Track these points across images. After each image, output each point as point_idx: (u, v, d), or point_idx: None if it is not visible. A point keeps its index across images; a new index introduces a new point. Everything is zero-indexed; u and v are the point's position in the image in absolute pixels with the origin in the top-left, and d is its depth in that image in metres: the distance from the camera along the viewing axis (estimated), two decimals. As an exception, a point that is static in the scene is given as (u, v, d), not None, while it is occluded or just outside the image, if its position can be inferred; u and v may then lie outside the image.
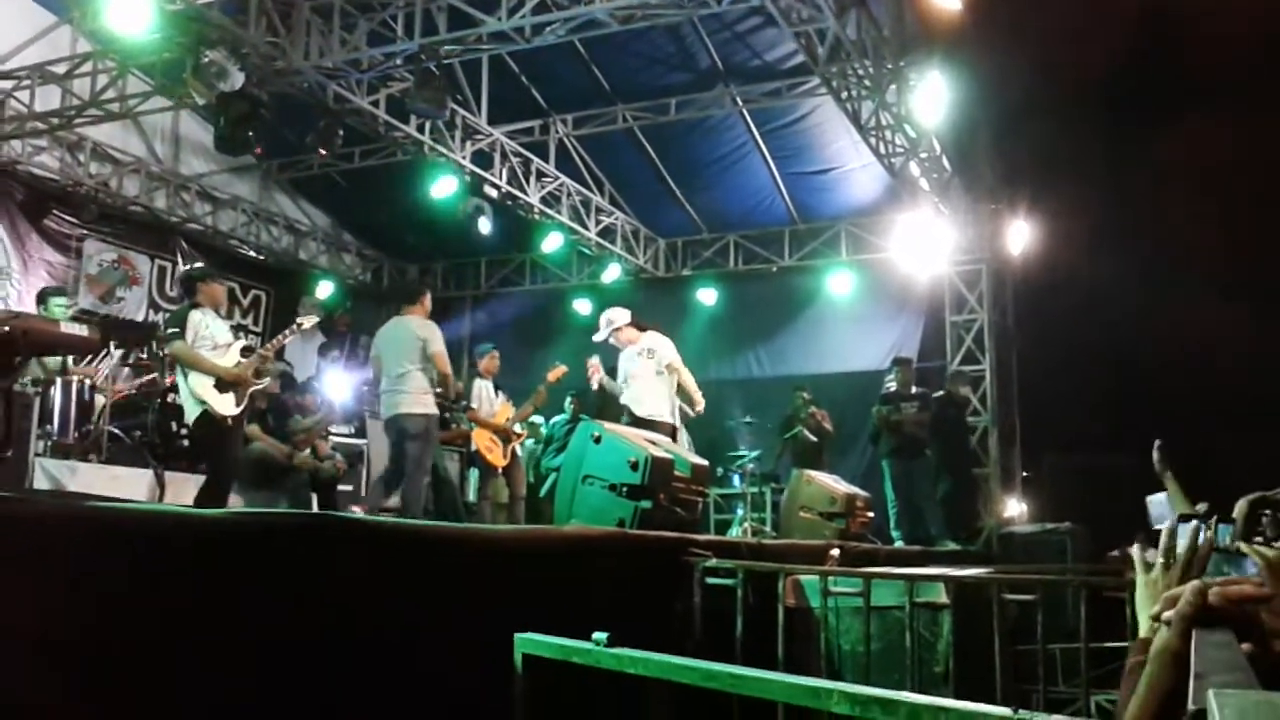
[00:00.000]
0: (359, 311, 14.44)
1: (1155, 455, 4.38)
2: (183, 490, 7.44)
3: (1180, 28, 9.17)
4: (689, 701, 2.78)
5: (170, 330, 6.70)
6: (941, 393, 11.04)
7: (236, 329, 7.08)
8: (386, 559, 3.59)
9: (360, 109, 9.90)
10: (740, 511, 10.66)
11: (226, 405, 6.54)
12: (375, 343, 7.88)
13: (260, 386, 7.03)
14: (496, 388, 9.58)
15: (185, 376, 6.59)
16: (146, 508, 5.16)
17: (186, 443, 8.29)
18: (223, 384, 6.55)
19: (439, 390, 7.71)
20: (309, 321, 7.84)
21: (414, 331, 7.52)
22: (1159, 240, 11.03)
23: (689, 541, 5.09)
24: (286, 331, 7.58)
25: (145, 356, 8.94)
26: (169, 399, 8.36)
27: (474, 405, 9.27)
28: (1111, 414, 12.40)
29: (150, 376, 8.81)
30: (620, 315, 8.38)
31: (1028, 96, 10.55)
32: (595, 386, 8.83)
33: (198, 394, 6.49)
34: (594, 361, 8.81)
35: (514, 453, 9.39)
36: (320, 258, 14.21)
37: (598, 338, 8.48)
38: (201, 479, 6.82)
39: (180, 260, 12.15)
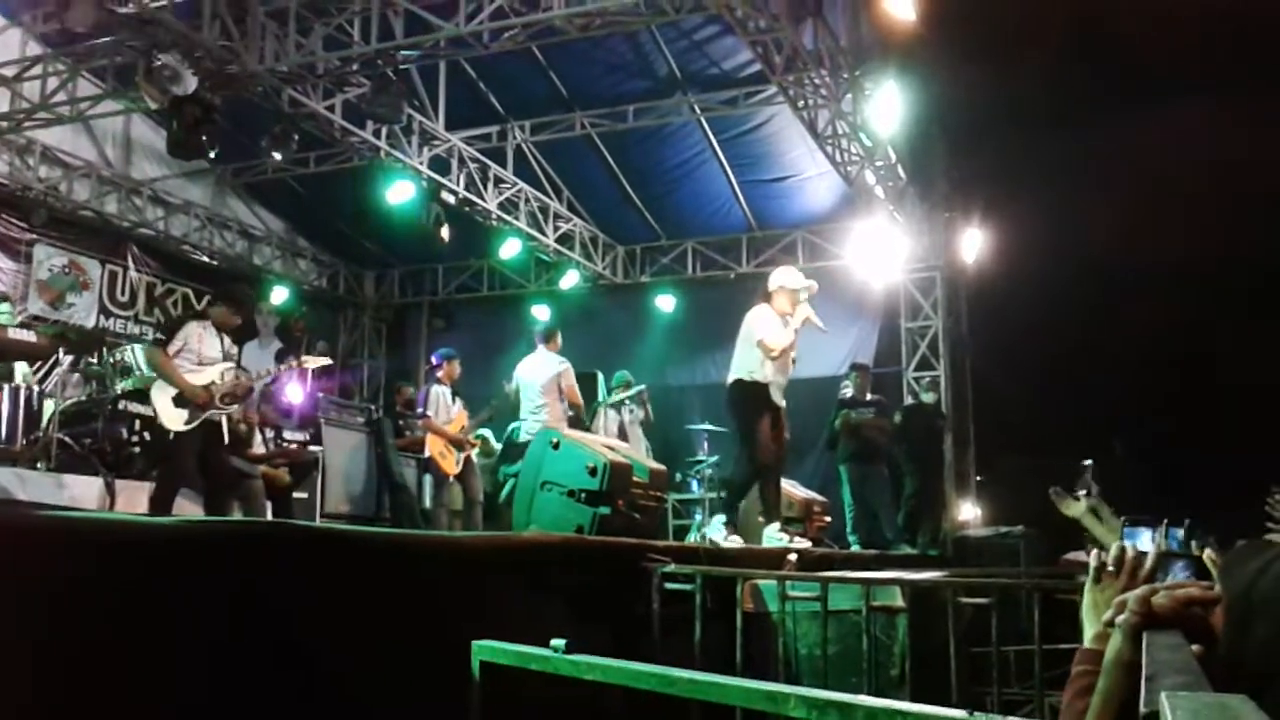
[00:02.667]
0: (315, 317, 14.35)
1: (1084, 479, 4.48)
2: (134, 498, 7.35)
3: (1113, 33, 9.35)
4: (648, 707, 2.79)
5: (157, 334, 6.69)
6: (912, 401, 11.21)
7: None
8: (342, 566, 3.56)
9: (316, 113, 9.82)
10: (699, 517, 10.67)
11: (175, 419, 6.50)
12: (516, 374, 9.04)
13: (225, 413, 6.89)
14: (455, 394, 9.51)
15: (154, 378, 6.65)
16: (98, 516, 5.09)
17: (137, 450, 8.19)
18: (182, 399, 6.51)
19: (571, 415, 8.87)
20: (312, 363, 7.84)
21: (553, 367, 8.78)
22: (1106, 245, 11.21)
23: (647, 547, 5.10)
24: (283, 366, 7.55)
25: (96, 363, 8.80)
26: (119, 406, 8.25)
27: (430, 412, 9.21)
28: (1063, 417, 12.61)
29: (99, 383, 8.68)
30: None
31: (980, 106, 10.70)
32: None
33: (154, 399, 6.53)
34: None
35: (469, 460, 9.34)
36: (275, 263, 14.06)
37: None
38: (152, 486, 6.80)
39: (131, 265, 11.99)
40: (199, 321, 6.77)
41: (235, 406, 7.05)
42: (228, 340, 6.94)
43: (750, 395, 7.11)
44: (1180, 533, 1.66)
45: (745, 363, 7.19)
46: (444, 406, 9.32)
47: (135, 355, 8.37)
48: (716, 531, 6.99)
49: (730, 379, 7.26)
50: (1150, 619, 1.26)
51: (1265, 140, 9.64)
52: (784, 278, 7.47)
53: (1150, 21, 8.90)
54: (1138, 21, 9.03)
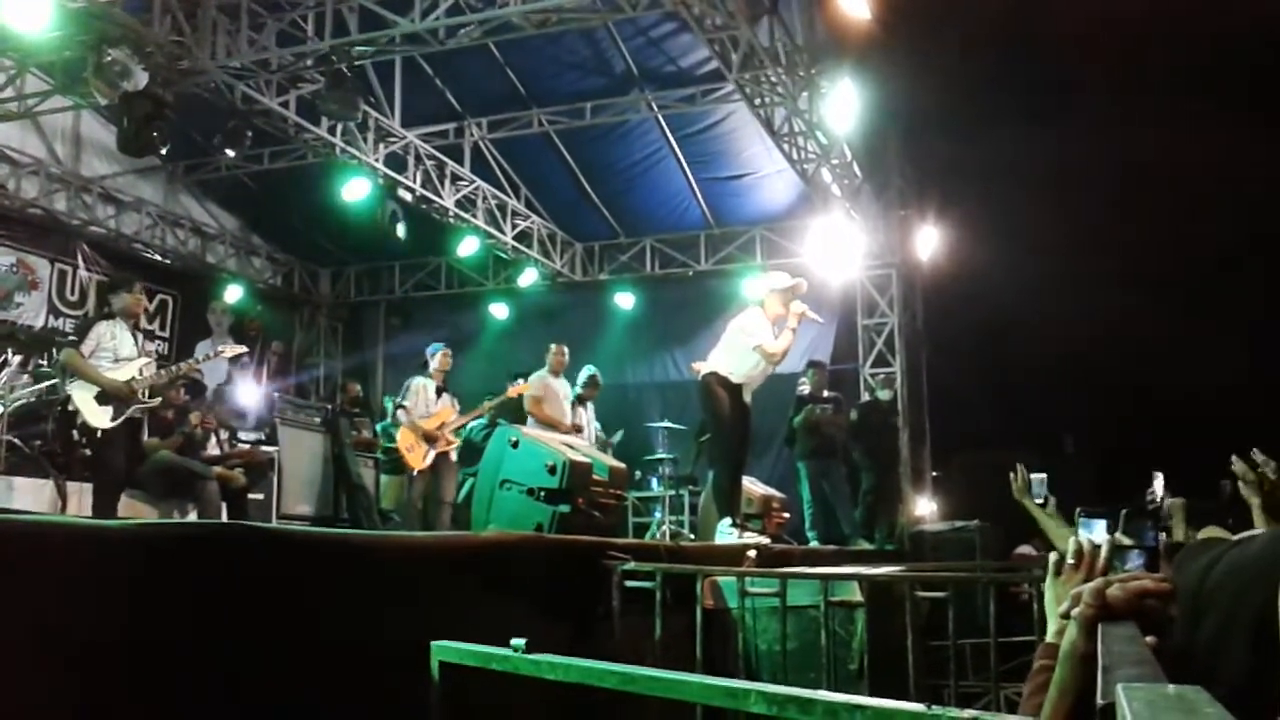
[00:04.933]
0: (269, 316, 14.20)
1: (1018, 482, 4.54)
2: (85, 500, 7.26)
3: (1051, 35, 9.48)
4: (609, 705, 2.79)
5: (70, 337, 6.63)
6: (868, 398, 11.31)
7: (147, 336, 6.94)
8: (298, 568, 3.53)
9: (269, 110, 9.71)
10: (659, 514, 10.69)
11: (100, 417, 6.50)
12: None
13: (149, 405, 6.90)
14: (441, 390, 9.44)
15: (74, 380, 6.58)
16: (47, 519, 5.00)
17: (88, 451, 8.07)
18: (105, 396, 6.48)
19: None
20: (231, 351, 7.79)
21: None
22: (1057, 242, 11.37)
23: (608, 545, 5.10)
24: (202, 357, 7.52)
25: (45, 364, 8.64)
26: (69, 407, 8.10)
27: (408, 404, 9.14)
28: (1016, 412, 12.77)
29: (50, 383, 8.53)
30: None
31: (934, 104, 10.80)
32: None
33: (77, 400, 6.50)
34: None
35: (446, 458, 9.26)
36: (229, 261, 13.89)
37: None
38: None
39: (82, 264, 11.78)
40: (108, 321, 6.75)
41: (158, 400, 7.04)
42: (140, 336, 6.96)
43: (725, 390, 7.15)
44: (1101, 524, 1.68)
45: (726, 361, 7.21)
46: (424, 399, 9.24)
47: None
48: (726, 536, 7.00)
49: (705, 371, 7.28)
50: (1105, 611, 1.27)
51: (1205, 143, 9.82)
52: (773, 281, 7.50)
53: (1084, 24, 9.06)
54: (1073, 24, 9.18)
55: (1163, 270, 11.30)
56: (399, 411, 9.21)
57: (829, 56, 9.63)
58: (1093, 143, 10.39)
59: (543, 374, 9.60)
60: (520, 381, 9.55)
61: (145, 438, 7.44)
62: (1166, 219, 11.11)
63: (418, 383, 9.28)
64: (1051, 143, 10.38)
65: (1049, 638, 1.52)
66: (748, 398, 7.37)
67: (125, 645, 2.91)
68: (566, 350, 9.95)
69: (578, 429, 9.83)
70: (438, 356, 9.52)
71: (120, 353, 6.63)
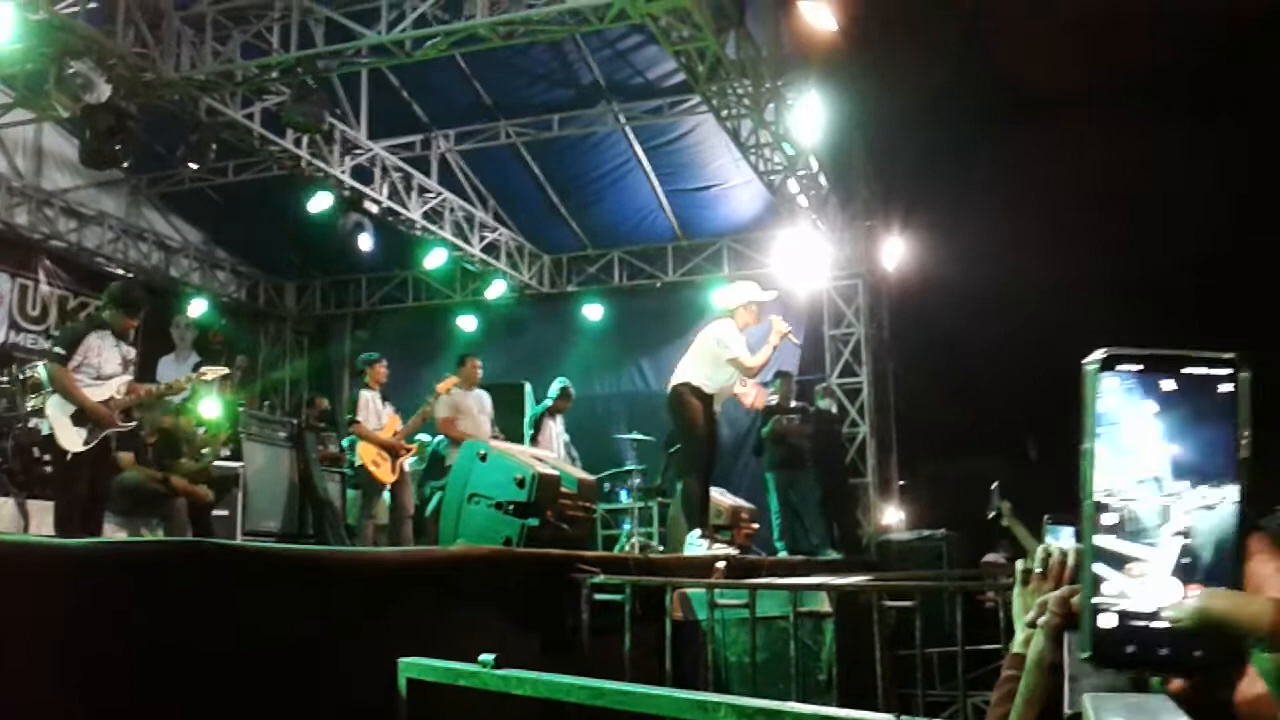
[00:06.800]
0: (234, 329, 14.08)
1: (993, 499, 4.57)
2: (48, 519, 7.14)
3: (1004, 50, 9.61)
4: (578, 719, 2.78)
5: (56, 348, 6.37)
6: (814, 408, 11.36)
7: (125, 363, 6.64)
8: (265, 585, 3.50)
9: (234, 122, 9.64)
10: (627, 526, 10.68)
11: (73, 440, 6.19)
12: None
13: (125, 430, 6.65)
14: (384, 398, 9.34)
15: (51, 395, 6.29)
16: (8, 538, 4.93)
17: (50, 469, 7.95)
18: (81, 417, 6.22)
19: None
20: (212, 374, 7.58)
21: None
22: (1020, 253, 11.49)
23: (577, 558, 5.08)
24: (184, 379, 7.29)
25: (6, 381, 8.52)
26: (30, 424, 8.00)
27: (360, 419, 9.02)
28: (983, 421, 12.87)
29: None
30: None
31: (899, 116, 10.90)
32: None
33: (51, 418, 6.21)
34: None
35: (402, 469, 9.17)
36: (193, 275, 13.77)
37: None
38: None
39: (43, 278, 11.63)
40: (98, 332, 6.41)
41: (132, 424, 6.82)
42: (125, 346, 6.62)
43: (699, 400, 7.13)
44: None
45: (699, 372, 7.18)
46: (374, 412, 9.12)
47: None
48: (695, 547, 6.96)
49: (676, 382, 7.23)
50: (1071, 619, 1.27)
51: (1170, 150, 9.97)
52: (745, 293, 7.45)
53: (1045, 34, 9.18)
54: (1034, 33, 9.30)
55: (1127, 278, 11.44)
56: (353, 427, 9.08)
57: (795, 69, 9.70)
58: (1057, 152, 10.51)
59: (453, 389, 9.22)
60: (447, 376, 9.36)
61: (116, 452, 7.18)
62: (1131, 227, 11.26)
63: (366, 396, 9.14)
64: (1016, 153, 10.49)
65: (1016, 647, 1.52)
66: (718, 408, 7.38)
67: (89, 663, 2.87)
68: (479, 363, 9.67)
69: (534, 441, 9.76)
70: (375, 368, 9.35)
71: (104, 369, 6.36)
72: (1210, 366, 0.79)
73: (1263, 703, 0.78)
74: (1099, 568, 0.79)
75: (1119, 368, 0.80)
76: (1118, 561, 0.79)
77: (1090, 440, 0.80)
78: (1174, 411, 0.79)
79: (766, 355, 7.18)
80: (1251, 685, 0.79)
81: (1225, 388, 0.79)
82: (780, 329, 7.18)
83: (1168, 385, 0.79)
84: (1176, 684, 0.81)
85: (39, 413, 7.98)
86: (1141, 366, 0.80)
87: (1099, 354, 0.80)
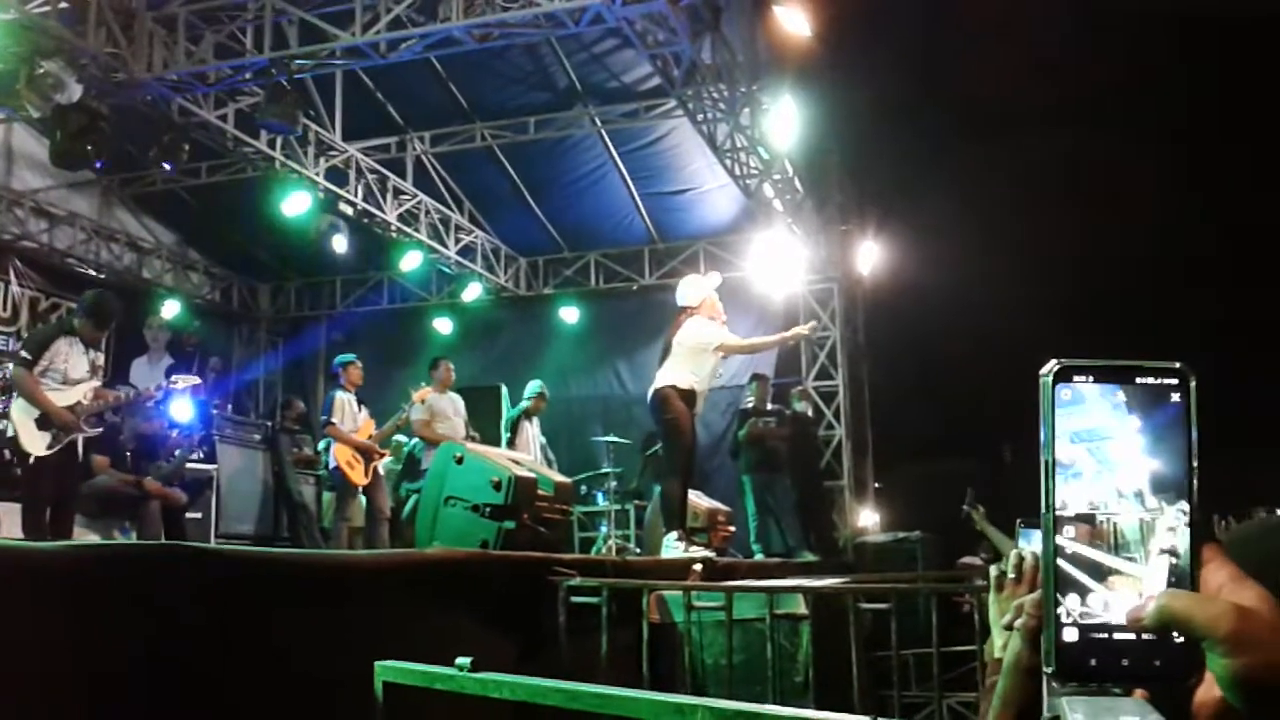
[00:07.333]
0: (208, 331, 13.97)
1: (967, 504, 4.60)
2: (18, 521, 7.07)
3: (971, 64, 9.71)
4: (555, 722, 2.78)
5: (22, 352, 6.32)
6: (789, 411, 11.39)
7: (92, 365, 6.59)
8: (238, 588, 3.47)
9: (207, 123, 9.57)
10: (604, 529, 10.67)
11: (36, 444, 6.19)
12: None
13: (91, 435, 6.61)
14: (360, 401, 9.29)
15: (16, 398, 6.29)
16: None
17: (19, 471, 7.86)
18: (46, 421, 6.20)
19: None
20: (184, 383, 7.55)
21: None
22: (997, 255, 11.59)
23: (554, 560, 5.08)
24: (155, 387, 7.25)
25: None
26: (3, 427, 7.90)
27: (335, 420, 8.97)
28: (957, 424, 12.96)
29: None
30: None
31: (873, 121, 10.96)
32: None
33: (15, 421, 6.21)
34: None
35: (375, 471, 9.13)
36: (166, 276, 13.65)
37: None
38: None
39: (14, 279, 11.50)
40: (67, 337, 6.41)
41: (98, 430, 6.77)
42: (94, 352, 6.59)
43: (682, 401, 7.13)
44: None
45: (683, 371, 7.19)
46: (350, 414, 9.07)
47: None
48: (672, 550, 6.96)
49: (659, 385, 7.22)
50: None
51: (1141, 156, 10.07)
52: (703, 287, 7.54)
53: (1019, 42, 9.28)
54: (1008, 42, 9.39)
55: (1099, 282, 11.56)
56: (328, 428, 9.04)
57: (770, 73, 9.74)
58: (1029, 157, 10.61)
59: (429, 393, 9.26)
60: (423, 385, 9.35)
61: (87, 456, 7.13)
62: (1102, 232, 11.38)
63: (340, 398, 9.10)
64: (988, 158, 10.58)
65: (995, 653, 1.53)
66: (700, 408, 7.39)
67: (56, 668, 2.84)
68: (452, 365, 9.70)
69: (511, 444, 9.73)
70: (350, 369, 9.32)
71: (71, 374, 6.32)
72: (1158, 376, 0.80)
73: (1219, 707, 0.79)
74: (1081, 577, 0.80)
75: (1075, 379, 0.81)
76: (1099, 574, 0.79)
77: (1048, 452, 0.81)
78: (1137, 421, 0.80)
79: (769, 341, 7.90)
80: (1209, 690, 0.79)
81: (1175, 396, 0.80)
82: (802, 330, 7.86)
83: (1122, 395, 0.80)
84: (1139, 694, 0.82)
85: (4, 415, 7.91)
86: (1092, 377, 0.80)
87: (1052, 364, 0.81)
